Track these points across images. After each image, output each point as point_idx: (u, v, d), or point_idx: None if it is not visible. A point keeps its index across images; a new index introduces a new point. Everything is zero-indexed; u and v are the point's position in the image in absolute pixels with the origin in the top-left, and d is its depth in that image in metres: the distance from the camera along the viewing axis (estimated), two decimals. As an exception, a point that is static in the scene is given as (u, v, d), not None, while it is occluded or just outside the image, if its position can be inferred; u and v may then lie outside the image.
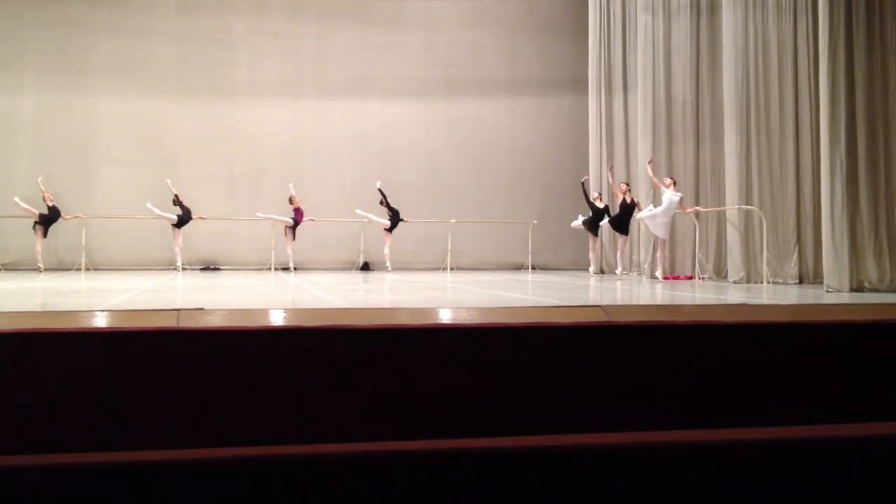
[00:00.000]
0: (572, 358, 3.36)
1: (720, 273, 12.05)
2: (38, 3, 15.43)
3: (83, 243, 14.20)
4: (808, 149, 10.78)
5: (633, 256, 13.89)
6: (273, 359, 3.16)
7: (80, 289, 8.99)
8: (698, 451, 1.28)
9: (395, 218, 14.90)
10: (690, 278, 12.14)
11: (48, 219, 13.58)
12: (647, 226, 12.57)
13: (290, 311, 5.93)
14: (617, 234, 13.07)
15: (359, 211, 15.20)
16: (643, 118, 13.26)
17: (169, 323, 4.50)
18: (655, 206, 12.23)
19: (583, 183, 13.92)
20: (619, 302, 7.53)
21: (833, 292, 8.39)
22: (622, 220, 12.70)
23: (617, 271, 12.93)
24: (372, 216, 15.04)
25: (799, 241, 10.76)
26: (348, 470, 1.21)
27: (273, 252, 14.91)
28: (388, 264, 14.84)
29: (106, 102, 15.71)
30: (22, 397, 2.91)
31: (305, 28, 16.52)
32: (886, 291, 8.30)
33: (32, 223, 13.61)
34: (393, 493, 1.21)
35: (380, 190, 14.86)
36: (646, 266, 13.06)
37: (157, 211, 14.28)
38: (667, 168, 12.68)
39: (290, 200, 14.71)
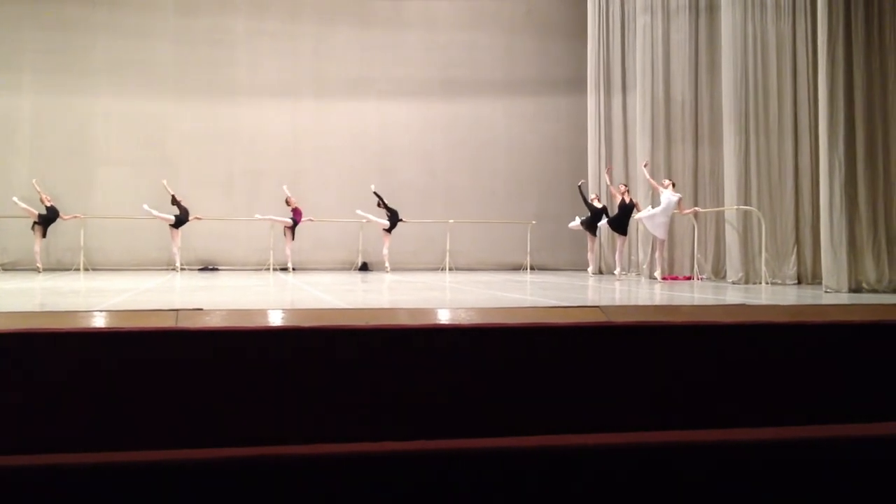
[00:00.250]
0: (571, 358, 3.36)
1: (719, 273, 12.06)
2: (36, 3, 15.42)
3: (82, 243, 14.19)
4: (806, 149, 10.79)
5: (632, 257, 13.90)
6: (272, 359, 3.16)
7: (78, 289, 8.98)
8: (698, 452, 1.28)
9: (393, 218, 14.90)
10: (689, 279, 12.15)
11: (47, 219, 13.57)
12: (645, 226, 12.58)
13: (289, 312, 5.93)
14: (616, 235, 13.06)
15: (359, 211, 15.20)
16: (642, 118, 13.26)
17: (168, 323, 4.50)
18: (654, 207, 12.24)
19: (579, 186, 13.92)
20: (618, 302, 7.54)
21: (831, 293, 8.39)
22: (621, 220, 12.70)
23: (616, 272, 12.93)
24: (371, 216, 15.05)
25: (797, 241, 10.77)
26: (348, 470, 1.21)
27: (272, 252, 14.90)
28: (386, 264, 14.84)
29: (105, 102, 15.71)
30: (21, 397, 2.91)
31: (304, 28, 16.52)
32: (885, 292, 8.30)
33: (31, 223, 13.59)
34: (393, 493, 1.21)
35: (375, 193, 14.86)
36: (644, 266, 13.06)
37: (154, 212, 14.26)
38: (665, 168, 12.69)
39: (287, 202, 14.70)
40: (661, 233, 12.06)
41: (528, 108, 17.12)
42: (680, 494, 1.27)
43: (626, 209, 12.62)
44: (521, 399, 3.24)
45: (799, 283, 10.60)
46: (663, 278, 11.95)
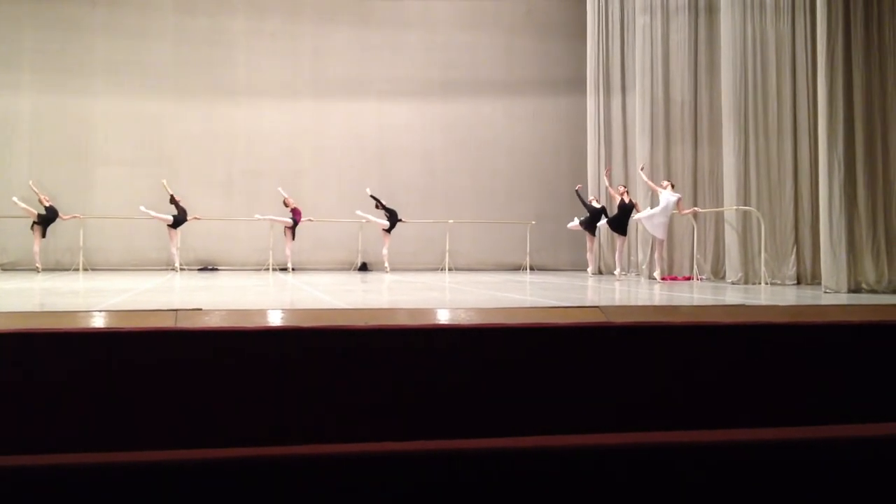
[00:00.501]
0: (571, 358, 3.37)
1: (718, 274, 12.06)
2: (35, 4, 15.42)
3: (81, 243, 14.18)
4: (806, 149, 10.79)
5: (632, 257, 13.90)
6: (272, 359, 3.16)
7: (78, 289, 8.98)
8: (697, 452, 1.28)
9: (393, 218, 14.90)
10: (688, 279, 12.15)
11: (46, 219, 13.55)
12: (644, 227, 12.58)
13: (289, 312, 5.93)
14: (615, 235, 13.07)
15: (358, 212, 15.20)
16: (641, 119, 13.27)
17: (167, 323, 4.50)
18: (653, 208, 12.24)
19: (577, 191, 13.93)
20: (618, 302, 7.54)
21: (831, 293, 8.40)
22: (620, 220, 12.70)
23: (615, 272, 12.93)
24: (371, 216, 15.05)
25: (797, 241, 10.77)
26: (348, 470, 1.21)
27: (271, 252, 14.90)
28: (386, 265, 14.84)
29: (104, 103, 15.70)
30: (22, 397, 2.91)
31: (303, 28, 16.52)
32: (884, 292, 8.30)
33: (30, 223, 13.58)
34: (393, 493, 1.21)
35: (372, 196, 14.86)
36: (644, 267, 13.06)
37: (152, 213, 14.24)
38: (665, 169, 12.69)
39: (285, 203, 14.68)
40: (660, 233, 12.06)
41: (527, 108, 17.12)
42: (680, 495, 1.27)
43: (626, 209, 12.62)
44: (521, 399, 3.24)
45: (798, 283, 10.60)
46: (663, 278, 11.95)
